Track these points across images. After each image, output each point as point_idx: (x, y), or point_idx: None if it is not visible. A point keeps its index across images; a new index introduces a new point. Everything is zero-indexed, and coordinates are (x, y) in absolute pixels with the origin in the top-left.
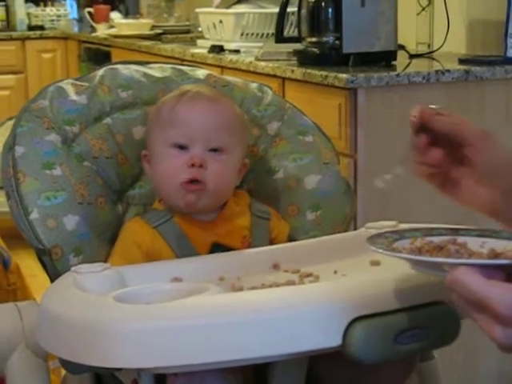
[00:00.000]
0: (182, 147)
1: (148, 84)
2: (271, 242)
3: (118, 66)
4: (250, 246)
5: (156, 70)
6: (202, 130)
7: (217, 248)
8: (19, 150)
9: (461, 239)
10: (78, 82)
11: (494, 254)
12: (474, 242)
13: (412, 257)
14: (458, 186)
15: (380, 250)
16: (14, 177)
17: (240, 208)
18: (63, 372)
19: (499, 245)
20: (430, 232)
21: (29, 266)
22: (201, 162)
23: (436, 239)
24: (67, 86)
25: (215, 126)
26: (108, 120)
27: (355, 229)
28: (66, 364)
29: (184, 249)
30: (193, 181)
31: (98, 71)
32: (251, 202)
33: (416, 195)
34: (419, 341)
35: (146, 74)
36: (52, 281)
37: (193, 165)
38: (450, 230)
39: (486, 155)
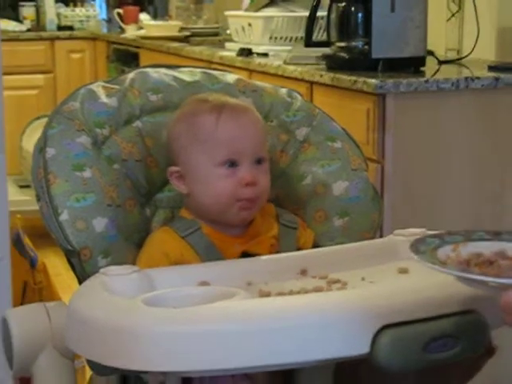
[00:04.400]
0: (231, 164)
1: (178, 88)
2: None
3: (148, 70)
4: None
5: (186, 74)
6: (249, 144)
7: (246, 257)
8: (50, 151)
9: (510, 252)
10: (108, 85)
11: None
12: None
13: (463, 274)
14: None
15: (428, 264)
16: (45, 178)
17: (266, 221)
18: (87, 371)
19: None
20: (470, 236)
21: (54, 264)
22: (254, 180)
23: (482, 249)
24: (98, 88)
25: (257, 138)
26: (138, 123)
27: (381, 234)
28: (93, 365)
29: (213, 259)
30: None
31: (129, 74)
32: (278, 213)
33: (443, 202)
34: (448, 350)
35: (175, 78)
36: (80, 282)
37: (247, 184)
38: (491, 233)
39: None
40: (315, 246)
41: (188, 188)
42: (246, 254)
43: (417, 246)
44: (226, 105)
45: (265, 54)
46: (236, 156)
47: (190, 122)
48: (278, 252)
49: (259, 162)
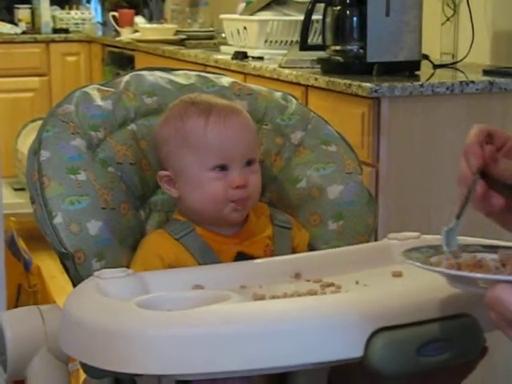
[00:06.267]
0: (221, 168)
1: (173, 91)
2: (293, 251)
3: (144, 73)
4: (272, 255)
5: (181, 77)
6: (239, 148)
7: (241, 258)
8: (44, 154)
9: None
10: (103, 88)
11: None
12: None
13: (451, 272)
14: None
15: (417, 264)
16: (39, 181)
17: (261, 221)
18: (81, 374)
19: None
20: (467, 248)
21: (48, 267)
22: (244, 183)
23: (478, 255)
24: (93, 91)
25: (247, 140)
26: (132, 126)
27: (375, 238)
28: (86, 368)
29: (208, 260)
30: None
31: (124, 77)
32: (272, 213)
33: (437, 205)
34: (442, 353)
35: (171, 81)
36: (74, 285)
37: (237, 186)
38: (486, 246)
39: None
40: (310, 248)
41: (178, 192)
42: (241, 254)
43: (410, 253)
44: (213, 107)
45: (260, 58)
46: (226, 161)
47: (177, 126)
48: (272, 252)
49: (249, 163)
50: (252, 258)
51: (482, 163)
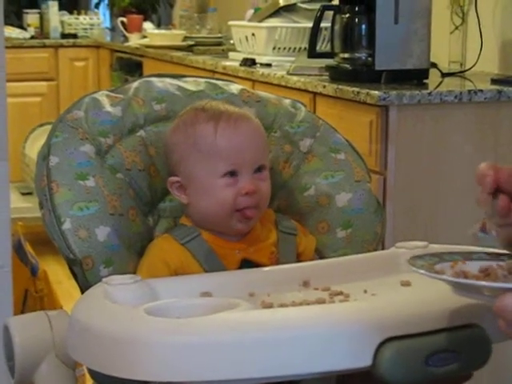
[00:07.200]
0: (231, 174)
1: (182, 97)
2: (298, 257)
3: (153, 79)
4: (277, 262)
5: (190, 84)
6: (249, 154)
7: (246, 264)
8: (53, 159)
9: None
10: (112, 94)
11: None
12: None
13: (459, 280)
14: None
15: (423, 271)
16: (48, 186)
17: (266, 227)
18: (88, 379)
19: None
20: (470, 256)
21: (55, 272)
22: (254, 190)
23: (482, 263)
24: (102, 97)
25: (257, 146)
26: (141, 132)
27: (383, 246)
28: (94, 374)
29: (213, 265)
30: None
31: (133, 83)
32: (277, 219)
33: (445, 213)
34: (450, 364)
35: (180, 88)
36: (82, 291)
37: (247, 193)
38: (490, 254)
39: None
40: (319, 255)
41: (188, 198)
42: (246, 261)
43: (415, 260)
44: (223, 113)
45: (268, 65)
46: (236, 167)
47: (188, 132)
48: (277, 260)
49: (259, 169)
50: (257, 264)
51: (494, 181)
